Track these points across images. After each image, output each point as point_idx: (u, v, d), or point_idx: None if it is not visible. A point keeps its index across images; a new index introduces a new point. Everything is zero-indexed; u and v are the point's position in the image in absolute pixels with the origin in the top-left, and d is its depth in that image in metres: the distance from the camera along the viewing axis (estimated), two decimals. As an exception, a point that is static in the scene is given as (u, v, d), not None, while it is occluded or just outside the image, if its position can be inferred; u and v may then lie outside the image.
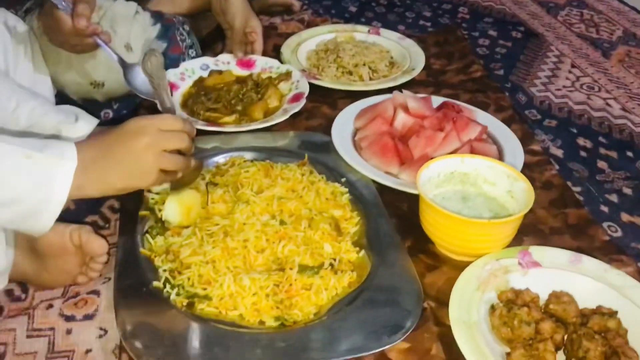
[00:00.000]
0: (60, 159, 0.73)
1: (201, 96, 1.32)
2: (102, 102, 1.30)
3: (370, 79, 1.45)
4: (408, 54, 1.53)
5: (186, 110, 1.29)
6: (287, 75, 1.39)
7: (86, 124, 1.00)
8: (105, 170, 0.78)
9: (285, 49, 1.52)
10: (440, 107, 1.26)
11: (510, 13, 1.86)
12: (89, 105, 1.24)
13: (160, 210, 0.98)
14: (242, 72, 1.42)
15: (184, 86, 1.36)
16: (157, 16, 1.33)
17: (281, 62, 1.45)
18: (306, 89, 1.34)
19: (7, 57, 1.02)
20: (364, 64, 1.46)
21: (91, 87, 1.25)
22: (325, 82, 1.40)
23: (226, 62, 1.43)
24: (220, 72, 1.40)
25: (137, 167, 0.80)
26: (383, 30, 1.63)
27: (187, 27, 1.39)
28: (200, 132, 1.23)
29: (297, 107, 1.29)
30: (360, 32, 1.62)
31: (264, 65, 1.43)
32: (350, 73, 1.46)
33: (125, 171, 0.80)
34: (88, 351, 0.83)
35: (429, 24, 1.81)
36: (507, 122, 1.27)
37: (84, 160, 0.75)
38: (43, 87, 1.10)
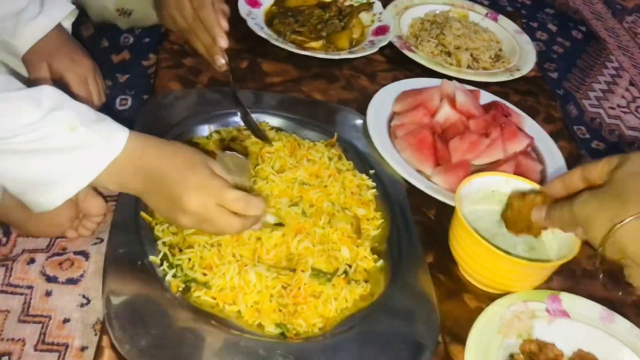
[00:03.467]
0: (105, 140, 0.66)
1: (288, 17, 1.27)
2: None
3: (469, 67, 1.31)
4: (519, 51, 1.37)
5: (271, 29, 1.25)
6: (369, 5, 1.34)
7: (48, 19, 0.91)
8: (138, 190, 0.71)
9: (391, 9, 1.39)
10: (489, 107, 1.15)
11: (574, 8, 1.71)
12: (109, 29, 1.13)
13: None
14: None
15: (266, 3, 1.31)
16: None
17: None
18: (390, 23, 1.31)
19: None
20: (467, 49, 1.33)
21: (117, 13, 1.13)
22: (419, 58, 1.28)
23: None
24: None
25: (167, 214, 0.74)
26: (501, 18, 1.46)
27: None
28: (279, 58, 1.17)
29: (385, 40, 1.27)
30: (477, 13, 1.47)
31: None
32: (449, 54, 1.33)
33: (156, 206, 0.73)
34: (66, 321, 0.75)
35: (486, 2, 1.66)
36: (555, 136, 1.17)
37: (126, 161, 0.67)
38: None
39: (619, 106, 1.36)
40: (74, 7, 0.95)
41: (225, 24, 0.94)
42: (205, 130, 0.99)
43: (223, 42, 0.94)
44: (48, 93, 0.64)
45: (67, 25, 0.96)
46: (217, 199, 0.71)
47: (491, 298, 0.83)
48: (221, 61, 0.96)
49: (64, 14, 0.92)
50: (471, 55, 1.32)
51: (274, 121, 1.03)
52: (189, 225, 0.73)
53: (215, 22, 0.93)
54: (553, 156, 1.11)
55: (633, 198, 0.66)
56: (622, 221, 0.66)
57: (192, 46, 1.02)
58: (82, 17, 1.20)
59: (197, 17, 0.94)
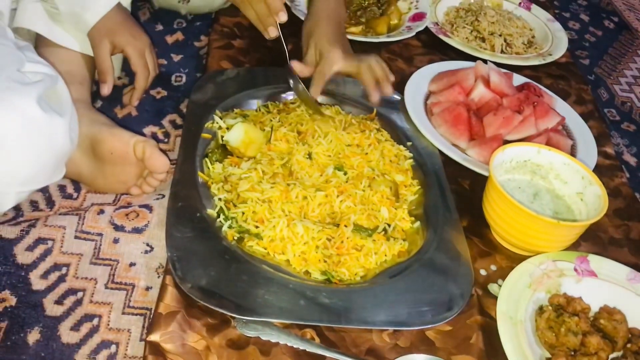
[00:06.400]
0: None
1: None
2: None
3: (502, 52, 1.37)
4: (551, 37, 1.42)
5: None
6: None
7: None
8: None
9: None
10: (522, 88, 1.20)
11: (606, 0, 1.75)
12: (163, 14, 1.23)
13: (222, 135, 0.96)
14: None
15: None
16: None
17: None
18: (427, 10, 1.38)
19: None
20: (501, 35, 1.38)
21: (176, 0, 1.22)
22: (455, 42, 1.34)
23: None
24: None
25: None
26: (534, 7, 1.51)
27: None
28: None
29: (421, 25, 1.34)
30: (510, 2, 1.52)
31: None
32: (483, 40, 1.38)
33: None
34: (132, 264, 0.83)
35: (519, -7, 1.71)
36: (585, 117, 1.21)
37: None
38: None
39: (650, 91, 1.40)
40: None
41: None
42: (254, 104, 1.07)
43: (283, 16, 0.98)
44: None
45: (127, 3, 1.05)
46: None
47: (522, 259, 0.88)
48: (274, 32, 1.00)
49: None
50: (505, 40, 1.37)
51: (319, 98, 1.10)
52: None
53: None
54: (583, 134, 1.16)
55: None
56: None
57: (243, 13, 1.05)
58: (140, 2, 1.29)
59: None
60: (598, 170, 1.09)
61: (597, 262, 0.90)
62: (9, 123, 0.72)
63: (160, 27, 1.27)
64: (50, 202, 0.89)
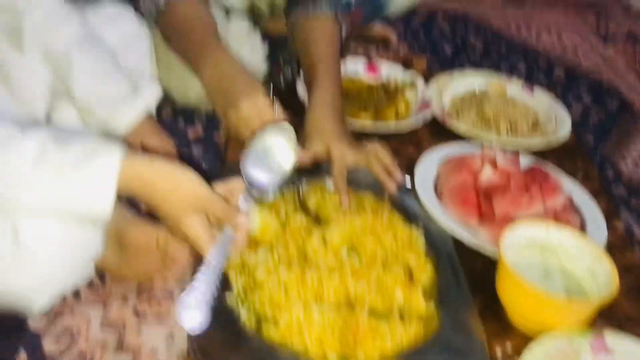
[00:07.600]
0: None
1: None
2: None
3: (508, 135, 1.42)
4: (555, 119, 1.48)
5: None
6: (412, 85, 1.50)
7: (143, 102, 1.05)
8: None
9: (433, 86, 1.53)
10: (528, 169, 1.24)
11: (608, 81, 1.82)
12: (187, 113, 1.32)
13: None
14: (371, 80, 1.55)
15: None
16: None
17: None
18: (432, 98, 1.46)
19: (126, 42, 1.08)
20: (505, 119, 1.44)
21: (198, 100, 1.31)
22: (461, 127, 1.40)
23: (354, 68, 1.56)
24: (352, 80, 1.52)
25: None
26: (537, 90, 1.57)
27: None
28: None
29: (428, 114, 1.42)
30: (513, 87, 1.59)
31: (388, 71, 1.56)
32: (489, 124, 1.44)
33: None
34: (154, 352, 0.85)
35: (522, 77, 1.79)
36: (593, 195, 1.24)
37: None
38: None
39: (657, 169, 1.43)
40: (159, 90, 1.11)
41: None
42: (270, 192, 1.11)
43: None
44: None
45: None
46: None
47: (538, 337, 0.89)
48: None
49: (156, 97, 1.08)
50: (509, 124, 1.43)
51: (331, 183, 1.15)
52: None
53: None
54: (592, 211, 1.18)
55: None
56: None
57: None
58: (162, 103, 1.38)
59: None
60: (609, 246, 1.11)
61: (613, 339, 0.90)
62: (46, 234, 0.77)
63: (182, 123, 1.35)
64: (76, 293, 0.93)
